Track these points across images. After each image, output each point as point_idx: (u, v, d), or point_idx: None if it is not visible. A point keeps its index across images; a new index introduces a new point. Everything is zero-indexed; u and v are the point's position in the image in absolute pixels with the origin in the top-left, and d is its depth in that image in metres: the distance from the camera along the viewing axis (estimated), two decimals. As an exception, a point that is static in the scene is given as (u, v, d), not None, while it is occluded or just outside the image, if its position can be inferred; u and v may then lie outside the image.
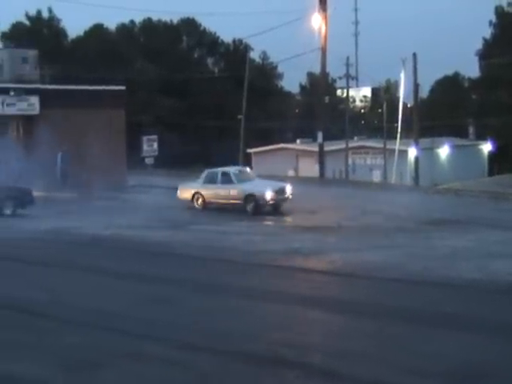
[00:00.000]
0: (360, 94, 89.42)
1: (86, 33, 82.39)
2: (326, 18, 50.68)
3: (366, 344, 10.24)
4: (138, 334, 10.40)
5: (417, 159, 55.10)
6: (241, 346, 9.84)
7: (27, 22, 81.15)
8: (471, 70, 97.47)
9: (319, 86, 59.30)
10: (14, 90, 40.09)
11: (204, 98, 76.10)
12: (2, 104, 39.58)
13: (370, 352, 9.78)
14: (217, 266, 17.91)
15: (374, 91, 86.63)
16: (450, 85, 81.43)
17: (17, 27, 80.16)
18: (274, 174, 58.83)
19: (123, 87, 44.94)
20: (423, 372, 8.74)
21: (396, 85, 66.09)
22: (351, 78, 67.71)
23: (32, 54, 42.78)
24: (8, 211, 29.99)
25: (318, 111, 55.04)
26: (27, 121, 41.20)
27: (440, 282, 15.41)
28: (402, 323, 11.58)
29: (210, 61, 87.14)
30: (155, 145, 54.80)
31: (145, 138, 54.50)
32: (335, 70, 70.09)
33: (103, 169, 42.21)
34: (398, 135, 56.27)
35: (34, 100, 40.57)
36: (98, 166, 41.58)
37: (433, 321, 11.70)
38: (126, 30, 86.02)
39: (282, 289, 14.65)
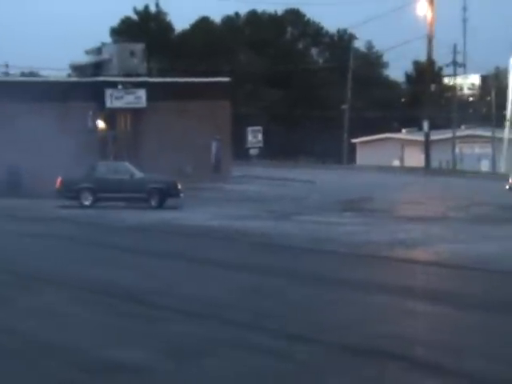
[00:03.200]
0: (468, 81, 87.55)
1: (192, 26, 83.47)
2: (432, 3, 49.76)
3: (471, 338, 10.03)
4: (242, 324, 10.51)
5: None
6: (343, 338, 9.80)
7: (135, 17, 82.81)
8: None
9: (425, 73, 58.35)
10: (122, 83, 41.00)
11: (308, 89, 76.03)
12: (111, 97, 40.53)
13: (475, 346, 9.58)
14: (321, 258, 17.89)
15: (483, 79, 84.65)
16: None
17: (126, 22, 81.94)
18: (380, 165, 58.51)
19: (228, 79, 45.34)
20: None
21: (505, 72, 64.37)
22: (459, 66, 66.34)
23: (139, 47, 43.67)
24: (154, 203, 30.21)
25: (424, 100, 54.18)
26: (134, 113, 42.09)
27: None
28: (506, 316, 11.30)
29: (314, 51, 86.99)
30: (260, 136, 55.21)
31: (250, 130, 54.98)
32: (442, 58, 68.69)
33: (208, 160, 42.81)
34: (508, 123, 54.86)
35: (141, 93, 41.37)
36: (202, 158, 42.18)
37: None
38: (231, 22, 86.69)
39: (386, 280, 14.50)
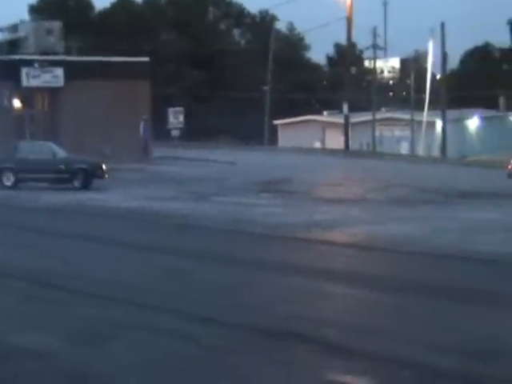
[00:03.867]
0: (388, 64, 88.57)
1: (112, 5, 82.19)
2: (352, -13, 50.03)
3: (383, 319, 10.03)
4: (153, 307, 10.29)
5: (444, 130, 54.51)
6: (254, 320, 9.69)
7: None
8: (503, 39, 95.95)
9: (345, 56, 58.75)
10: (38, 61, 40.04)
11: (231, 70, 75.74)
12: (27, 76, 39.55)
13: (387, 327, 9.57)
14: (237, 239, 17.79)
15: (403, 62, 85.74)
16: (480, 55, 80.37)
17: (44, 0, 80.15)
18: (301, 147, 58.73)
19: (147, 58, 44.73)
20: (441, 348, 8.51)
21: (425, 55, 65.25)
22: (379, 49, 66.99)
23: (56, 25, 42.72)
24: (77, 184, 29.63)
25: (344, 82, 54.55)
26: (51, 92, 41.19)
27: (464, 255, 15.13)
28: (423, 298, 11.34)
29: (236, 32, 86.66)
30: (181, 117, 54.77)
31: (171, 110, 54.46)
32: (363, 41, 69.37)
33: (127, 140, 42.22)
34: (426, 106, 55.64)
35: (59, 72, 40.49)
36: (122, 138, 41.59)
37: (456, 295, 11.45)
38: (153, 1, 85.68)
39: (300, 262, 14.46)
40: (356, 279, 12.83)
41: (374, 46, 64.08)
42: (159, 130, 50.02)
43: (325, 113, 71.79)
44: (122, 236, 17.50)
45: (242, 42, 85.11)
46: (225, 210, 23.01)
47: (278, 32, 79.28)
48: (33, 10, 77.12)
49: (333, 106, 69.01)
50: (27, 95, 40.73)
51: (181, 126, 54.94)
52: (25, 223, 19.77)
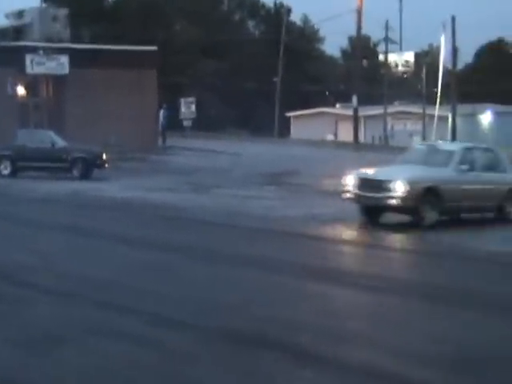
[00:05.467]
0: (403, 58, 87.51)
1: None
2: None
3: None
4: (116, 306, 9.55)
5: (453, 124, 53.58)
6: (226, 322, 9.01)
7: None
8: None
9: (355, 48, 57.91)
10: (43, 48, 39.43)
11: (244, 61, 74.99)
12: (32, 63, 38.94)
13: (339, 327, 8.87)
14: (229, 233, 17.12)
15: (417, 56, 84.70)
16: (494, 50, 79.26)
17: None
18: (312, 139, 57.97)
19: (155, 47, 44.02)
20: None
21: (438, 49, 64.26)
22: (392, 43, 66.04)
23: (63, 12, 42.20)
24: (76, 173, 28.94)
25: (354, 75, 53.75)
26: (56, 80, 40.59)
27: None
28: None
29: (250, 23, 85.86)
30: (193, 107, 54.16)
31: (183, 101, 53.82)
32: (379, 34, 68.33)
33: (133, 130, 41.58)
34: (438, 100, 54.64)
35: (64, 59, 39.87)
36: (128, 127, 40.95)
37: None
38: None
39: (292, 257, 13.76)
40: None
41: (386, 40, 63.13)
42: (170, 119, 49.46)
43: (337, 105, 70.98)
44: (108, 228, 16.80)
45: (256, 33, 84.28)
46: (223, 202, 22.33)
47: (293, 24, 78.45)
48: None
49: (346, 98, 68.17)
50: (31, 82, 40.15)
51: (193, 116, 54.38)
52: (12, 214, 19.10)
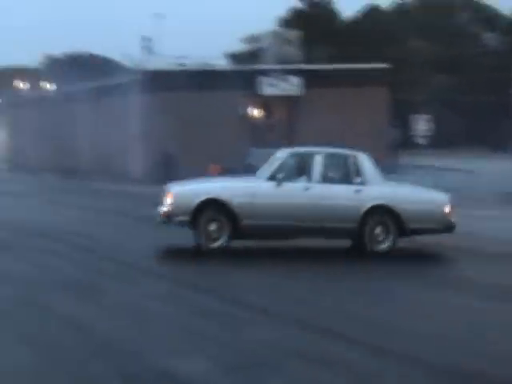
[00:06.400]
0: None
1: (360, 13, 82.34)
2: None
3: None
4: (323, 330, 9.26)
5: None
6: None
7: (301, 6, 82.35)
8: None
9: None
10: (275, 71, 40.55)
11: (477, 74, 72.94)
12: (264, 85, 40.14)
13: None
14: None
15: None
16: None
17: (293, 11, 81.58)
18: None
19: (385, 65, 43.86)
20: None
21: None
22: None
23: (295, 35, 43.10)
24: None
25: None
26: (289, 101, 41.50)
27: None
28: None
29: (486, 35, 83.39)
30: (429, 124, 53.30)
31: (417, 117, 53.14)
32: None
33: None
34: None
35: (296, 80, 40.73)
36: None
37: None
38: (401, 8, 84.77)
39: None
40: None
41: None
42: (402, 136, 49.05)
43: None
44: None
45: (494, 44, 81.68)
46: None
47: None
48: (281, 21, 78.68)
49: None
50: (264, 104, 41.33)
51: (428, 133, 53.59)
52: None
